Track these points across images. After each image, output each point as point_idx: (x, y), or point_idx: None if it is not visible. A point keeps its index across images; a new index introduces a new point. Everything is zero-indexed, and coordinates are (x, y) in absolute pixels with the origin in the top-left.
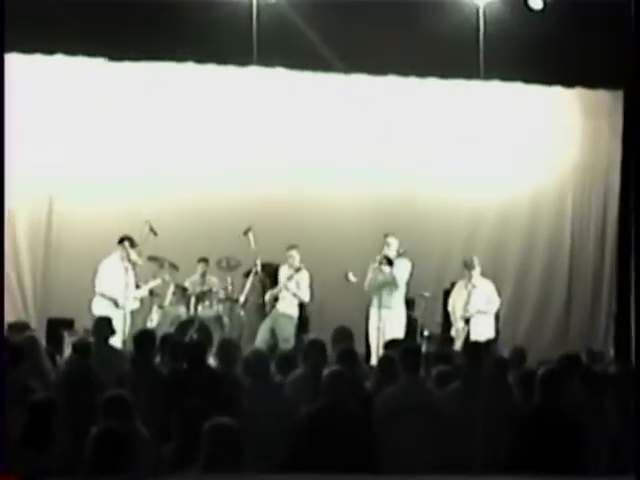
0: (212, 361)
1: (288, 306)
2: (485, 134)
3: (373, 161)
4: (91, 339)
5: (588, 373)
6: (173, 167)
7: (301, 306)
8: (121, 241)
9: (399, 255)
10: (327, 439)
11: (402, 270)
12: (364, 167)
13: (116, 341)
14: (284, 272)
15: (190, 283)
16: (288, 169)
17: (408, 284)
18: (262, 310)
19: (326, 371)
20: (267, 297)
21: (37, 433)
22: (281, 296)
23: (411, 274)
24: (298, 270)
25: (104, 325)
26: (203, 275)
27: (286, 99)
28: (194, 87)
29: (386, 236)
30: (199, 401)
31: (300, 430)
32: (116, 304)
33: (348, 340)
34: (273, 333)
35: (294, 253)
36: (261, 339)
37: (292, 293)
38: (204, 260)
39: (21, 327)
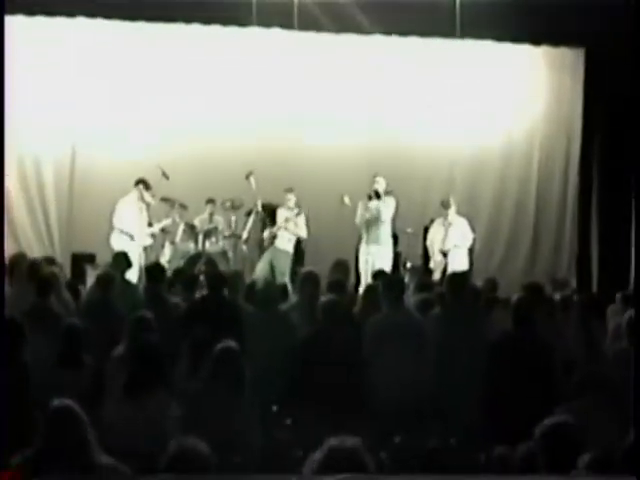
0: None
1: (285, 243)
2: (461, 88)
3: (363, 113)
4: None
5: (550, 301)
6: (184, 118)
7: (298, 242)
8: (137, 183)
9: (386, 194)
10: (324, 358)
11: (388, 206)
12: (355, 119)
13: (132, 274)
14: (282, 213)
15: (198, 221)
16: (287, 120)
17: (393, 221)
18: (262, 245)
19: (322, 299)
20: (266, 234)
21: (69, 355)
22: (279, 234)
23: (396, 211)
24: (295, 210)
25: (121, 259)
26: (211, 215)
27: (283, 57)
28: (202, 45)
29: (374, 176)
30: (208, 325)
31: (301, 350)
32: (132, 239)
33: (345, 271)
34: (271, 266)
35: (291, 196)
36: (260, 271)
37: (291, 232)
38: (212, 201)
39: (48, 262)
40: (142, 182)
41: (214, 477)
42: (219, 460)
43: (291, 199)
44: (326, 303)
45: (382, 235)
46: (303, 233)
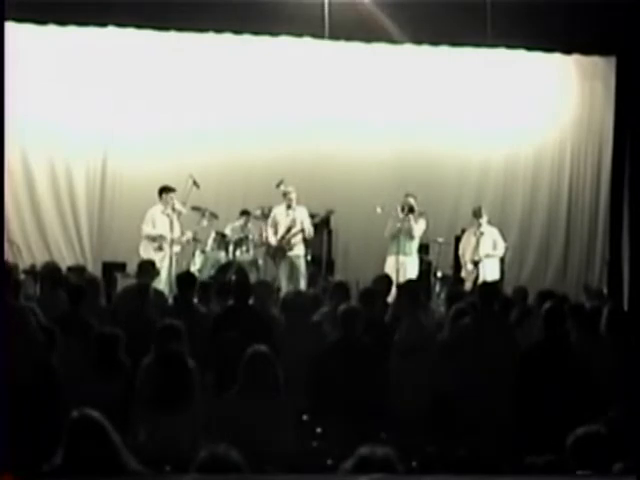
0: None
1: (299, 246)
2: (493, 96)
3: (394, 122)
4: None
5: (582, 310)
6: (215, 127)
7: (328, 252)
8: (160, 193)
9: (418, 214)
10: (344, 367)
11: (419, 224)
12: (387, 128)
13: (162, 283)
14: (301, 213)
15: (230, 230)
16: (317, 129)
17: (421, 238)
18: (276, 252)
19: (340, 307)
20: (274, 239)
21: (105, 364)
22: (293, 240)
23: (425, 230)
24: (302, 210)
25: (147, 268)
26: (245, 225)
27: (317, 66)
28: (232, 54)
29: (406, 196)
30: (238, 334)
31: (323, 358)
32: (161, 248)
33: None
34: (291, 271)
35: (293, 195)
36: (284, 277)
37: (303, 233)
38: (246, 213)
39: (79, 270)
40: (164, 191)
41: (238, 477)
42: (250, 468)
43: (293, 198)
44: (345, 311)
45: (411, 247)
46: (310, 231)
